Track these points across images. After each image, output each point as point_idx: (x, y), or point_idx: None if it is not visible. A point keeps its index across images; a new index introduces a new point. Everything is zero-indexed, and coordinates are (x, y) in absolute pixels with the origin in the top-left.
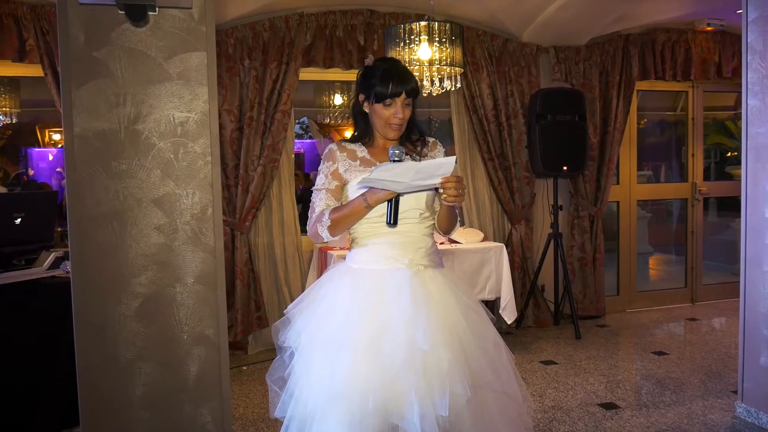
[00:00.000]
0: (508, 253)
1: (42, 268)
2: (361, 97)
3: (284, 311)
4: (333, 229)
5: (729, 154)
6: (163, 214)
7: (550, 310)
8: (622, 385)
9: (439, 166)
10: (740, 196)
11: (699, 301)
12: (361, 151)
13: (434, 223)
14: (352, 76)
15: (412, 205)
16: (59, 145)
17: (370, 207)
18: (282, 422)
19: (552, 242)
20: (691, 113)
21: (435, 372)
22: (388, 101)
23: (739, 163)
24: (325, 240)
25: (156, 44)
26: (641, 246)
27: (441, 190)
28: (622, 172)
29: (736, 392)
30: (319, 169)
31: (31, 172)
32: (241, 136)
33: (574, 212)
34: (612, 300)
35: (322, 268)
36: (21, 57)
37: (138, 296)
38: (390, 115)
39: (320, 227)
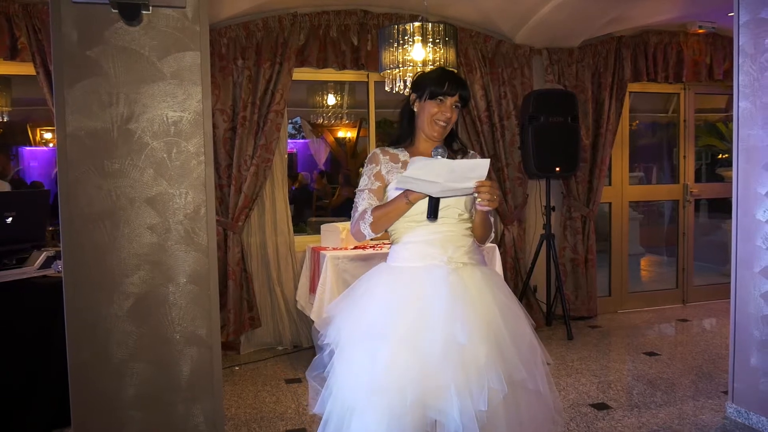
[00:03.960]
0: (501, 253)
1: (33, 268)
2: (413, 96)
3: (326, 308)
4: (375, 225)
5: (720, 156)
6: (156, 213)
7: (542, 310)
8: (614, 386)
9: (473, 167)
10: (731, 197)
11: (690, 302)
12: (403, 155)
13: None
14: (345, 76)
15: (452, 204)
16: (51, 144)
17: (410, 203)
18: (321, 418)
19: (544, 243)
20: (682, 115)
21: (472, 366)
22: (441, 98)
23: (730, 164)
24: (368, 237)
25: (149, 43)
26: (633, 247)
27: (475, 195)
28: (614, 173)
29: (726, 393)
30: (362, 171)
31: (15, 168)
32: (234, 136)
33: (567, 213)
34: (604, 301)
35: (315, 268)
36: (12, 55)
37: (130, 296)
38: (438, 111)
39: (363, 225)
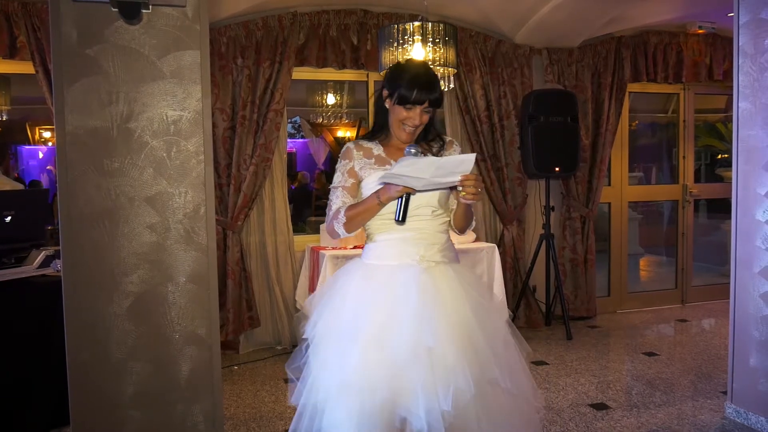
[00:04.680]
0: (500, 253)
1: (32, 267)
2: (385, 92)
3: (305, 302)
4: (348, 225)
5: (719, 156)
6: (156, 212)
7: (542, 310)
8: (613, 386)
9: (460, 162)
10: (731, 198)
11: (689, 303)
12: (377, 149)
13: (449, 220)
14: (344, 75)
15: (425, 202)
16: (49, 143)
17: (382, 204)
18: (296, 409)
19: (544, 243)
20: (682, 115)
21: (440, 367)
22: (409, 106)
23: (729, 165)
24: (342, 236)
25: (149, 42)
26: (632, 247)
27: (460, 188)
28: (614, 173)
29: (725, 393)
30: (336, 167)
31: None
32: (234, 135)
33: (566, 213)
34: (603, 301)
35: (315, 267)
36: (12, 54)
37: (130, 295)
38: (407, 117)
39: (336, 224)
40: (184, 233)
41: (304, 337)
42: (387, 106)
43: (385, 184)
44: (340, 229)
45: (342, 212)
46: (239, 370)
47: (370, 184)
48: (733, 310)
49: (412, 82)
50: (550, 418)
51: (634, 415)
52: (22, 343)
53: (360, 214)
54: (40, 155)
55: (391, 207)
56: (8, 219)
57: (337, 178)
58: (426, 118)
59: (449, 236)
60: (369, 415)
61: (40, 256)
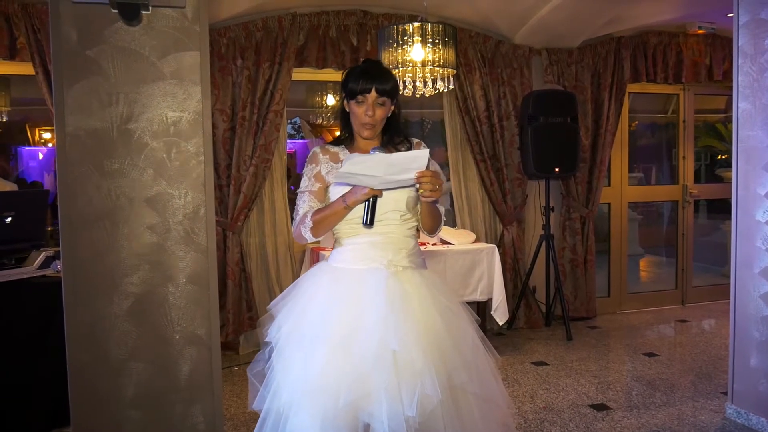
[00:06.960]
0: (500, 254)
1: (32, 268)
2: (342, 95)
3: (267, 307)
4: (315, 230)
5: (719, 157)
6: (156, 213)
7: (542, 311)
8: (613, 387)
9: (413, 159)
10: (730, 198)
11: (689, 303)
12: (343, 153)
13: (417, 225)
14: None
15: (392, 207)
16: (50, 144)
17: (349, 208)
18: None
19: (543, 244)
20: (682, 116)
21: (407, 372)
22: (359, 98)
23: (729, 165)
24: (309, 241)
25: (149, 43)
26: (632, 248)
27: (417, 186)
28: (614, 174)
29: (726, 393)
30: (303, 171)
31: (14, 170)
32: (234, 136)
33: (566, 214)
34: (603, 301)
35: None
36: (12, 55)
37: (130, 296)
38: (361, 112)
39: (303, 228)
40: (184, 234)
41: (267, 340)
42: (347, 109)
43: (353, 187)
44: (306, 233)
45: (309, 217)
46: (239, 371)
47: (337, 189)
48: (734, 311)
49: (359, 75)
50: (550, 418)
51: (634, 415)
52: (22, 344)
53: (327, 218)
54: (41, 156)
55: (359, 211)
56: (8, 220)
57: (304, 182)
58: (381, 111)
59: (417, 242)
60: (332, 420)
61: (41, 257)
